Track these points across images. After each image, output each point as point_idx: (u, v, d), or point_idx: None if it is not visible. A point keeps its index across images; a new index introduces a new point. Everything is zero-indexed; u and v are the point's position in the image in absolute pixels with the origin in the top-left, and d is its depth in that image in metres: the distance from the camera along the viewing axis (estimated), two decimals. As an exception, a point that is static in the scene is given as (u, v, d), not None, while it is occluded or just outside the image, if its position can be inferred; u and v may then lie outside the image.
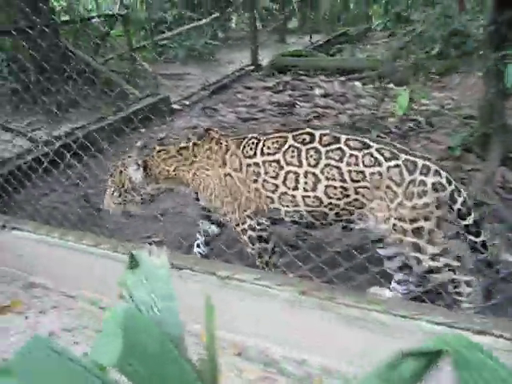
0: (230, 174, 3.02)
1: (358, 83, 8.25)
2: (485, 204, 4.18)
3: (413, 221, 2.68)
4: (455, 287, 2.79)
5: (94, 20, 10.00)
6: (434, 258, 2.73)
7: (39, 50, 3.98)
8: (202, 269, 2.96)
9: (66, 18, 12.29)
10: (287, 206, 2.91)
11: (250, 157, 2.96)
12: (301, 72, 8.68)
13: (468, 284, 2.77)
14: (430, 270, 2.76)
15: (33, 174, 4.23)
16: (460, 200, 2.74)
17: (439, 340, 0.79)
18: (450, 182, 2.73)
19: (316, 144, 2.79)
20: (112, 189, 3.29)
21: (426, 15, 10.43)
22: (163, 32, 12.14)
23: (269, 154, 2.90)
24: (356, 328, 2.59)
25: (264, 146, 2.92)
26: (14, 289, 3.64)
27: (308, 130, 2.87)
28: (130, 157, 3.29)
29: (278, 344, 2.81)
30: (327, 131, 2.83)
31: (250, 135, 3.03)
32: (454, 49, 8.25)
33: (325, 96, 7.58)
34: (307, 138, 2.83)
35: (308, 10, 17.06)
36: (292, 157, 2.83)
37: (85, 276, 3.44)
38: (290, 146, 2.84)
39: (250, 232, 3.07)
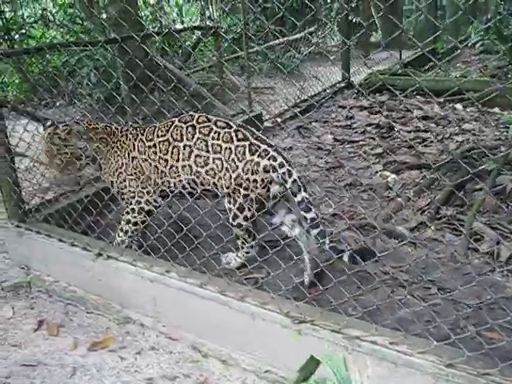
0: (135, 157, 3.71)
1: (459, 105, 7.79)
2: None
3: (244, 189, 3.40)
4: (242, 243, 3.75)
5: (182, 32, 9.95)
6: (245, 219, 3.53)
7: (129, 60, 4.08)
8: (326, 324, 2.66)
9: (153, 28, 12.35)
10: (174, 178, 3.59)
11: (149, 140, 3.68)
12: (396, 92, 8.28)
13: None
14: (237, 225, 3.57)
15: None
16: (290, 180, 3.32)
17: None
18: (282, 166, 3.34)
19: (194, 122, 3.53)
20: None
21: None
22: (249, 46, 11.98)
23: (162, 135, 3.63)
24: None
25: (159, 130, 3.66)
26: (107, 323, 3.46)
27: (190, 113, 3.63)
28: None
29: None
30: (203, 114, 3.57)
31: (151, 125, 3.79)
32: None
33: (424, 119, 7.17)
34: (188, 118, 3.57)
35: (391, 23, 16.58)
36: (176, 134, 3.56)
37: (187, 317, 3.22)
38: (175, 126, 3.59)
39: (143, 204, 3.76)
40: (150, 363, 3.06)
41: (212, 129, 3.47)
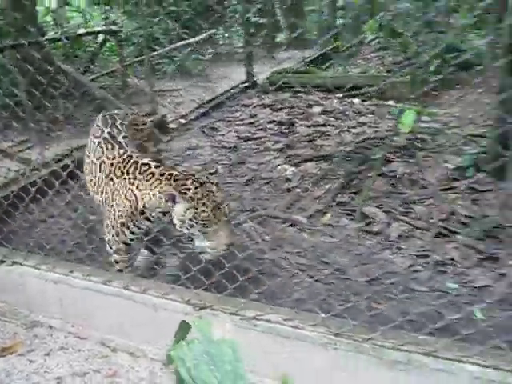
0: None
1: (356, 100, 8.16)
2: (505, 228, 4.08)
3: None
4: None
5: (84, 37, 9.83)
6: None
7: (29, 65, 3.97)
8: (225, 308, 2.80)
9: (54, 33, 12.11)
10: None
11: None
12: (298, 89, 8.55)
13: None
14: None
15: (27, 198, 3.94)
16: None
17: None
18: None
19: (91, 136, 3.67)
20: None
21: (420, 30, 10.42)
22: (154, 49, 11.99)
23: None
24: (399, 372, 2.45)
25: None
26: (14, 328, 3.45)
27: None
28: None
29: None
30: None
31: None
32: (450, 65, 8.17)
33: (324, 113, 7.47)
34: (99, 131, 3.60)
35: (295, 23, 17.01)
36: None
37: (94, 315, 3.26)
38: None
39: None
40: (60, 363, 3.08)
41: None
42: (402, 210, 4.46)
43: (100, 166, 3.45)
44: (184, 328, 1.36)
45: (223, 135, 6.84)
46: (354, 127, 6.79)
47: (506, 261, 3.77)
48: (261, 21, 15.79)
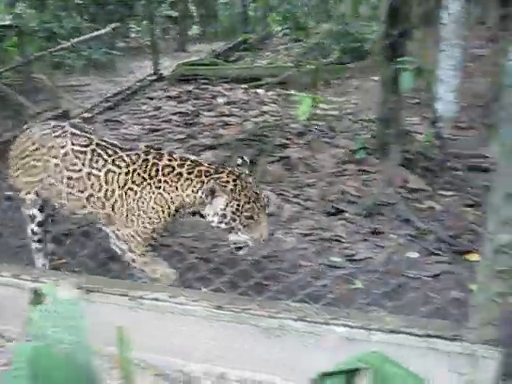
0: None
1: (260, 90, 8.35)
2: (388, 204, 4.36)
3: None
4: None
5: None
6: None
7: None
8: (113, 290, 2.88)
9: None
10: None
11: None
12: (203, 81, 8.67)
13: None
14: None
15: None
16: None
17: (358, 358, 0.80)
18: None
19: None
20: None
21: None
22: (59, 43, 11.72)
23: None
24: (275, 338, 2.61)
25: None
26: None
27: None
28: None
29: (196, 361, 2.79)
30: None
31: None
32: (350, 54, 8.53)
33: (228, 104, 7.62)
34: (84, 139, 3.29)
35: (208, 17, 17.11)
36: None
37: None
38: None
39: None
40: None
41: None
42: (294, 192, 4.67)
43: (106, 176, 3.16)
44: (37, 294, 1.45)
45: (127, 128, 6.85)
46: (256, 116, 6.98)
47: (388, 235, 4.05)
48: (174, 14, 15.79)
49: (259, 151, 5.41)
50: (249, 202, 2.97)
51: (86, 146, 3.22)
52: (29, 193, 3.42)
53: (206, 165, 3.11)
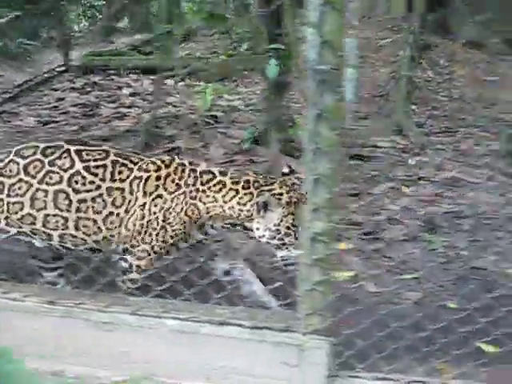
0: None
1: (169, 81, 8.21)
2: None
3: None
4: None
5: None
6: None
7: None
8: None
9: None
10: None
11: None
12: (112, 71, 8.47)
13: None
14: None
15: None
16: None
17: None
18: None
19: None
20: None
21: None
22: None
23: None
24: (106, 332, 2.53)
25: None
26: None
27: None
28: None
29: (31, 357, 2.66)
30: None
31: None
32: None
33: (133, 95, 7.46)
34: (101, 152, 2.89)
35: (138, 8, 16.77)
36: None
37: None
38: None
39: None
40: None
41: None
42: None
43: (131, 185, 2.81)
44: None
45: (22, 120, 6.61)
46: (159, 107, 6.84)
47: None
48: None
49: (147, 142, 5.31)
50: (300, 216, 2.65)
51: (103, 159, 2.85)
52: None
53: (252, 174, 2.88)
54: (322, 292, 2.20)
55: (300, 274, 2.24)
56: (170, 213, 2.77)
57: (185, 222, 2.79)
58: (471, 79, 6.93)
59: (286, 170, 2.96)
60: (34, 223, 2.86)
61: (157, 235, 2.80)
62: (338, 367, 2.36)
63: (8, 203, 2.85)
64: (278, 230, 2.72)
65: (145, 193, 2.79)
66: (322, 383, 2.33)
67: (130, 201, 2.81)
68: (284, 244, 2.76)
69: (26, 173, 2.82)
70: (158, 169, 2.81)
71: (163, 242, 2.82)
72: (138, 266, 2.88)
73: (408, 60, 6.73)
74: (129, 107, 6.89)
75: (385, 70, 6.94)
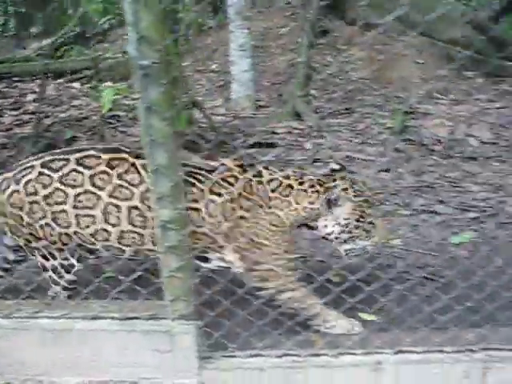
0: None
1: (76, 84, 8.14)
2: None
3: None
4: None
5: None
6: None
7: None
8: None
9: None
10: None
11: None
12: (16, 79, 8.30)
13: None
14: None
15: None
16: None
17: None
18: None
19: None
20: None
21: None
22: None
23: None
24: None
25: None
26: None
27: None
28: None
29: None
30: None
31: None
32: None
33: (38, 101, 7.33)
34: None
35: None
36: None
37: None
38: None
39: None
40: None
41: None
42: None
43: (207, 207, 2.76)
44: None
45: None
46: (64, 111, 6.79)
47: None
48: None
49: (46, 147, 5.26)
50: (369, 207, 2.84)
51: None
52: None
53: (310, 173, 2.96)
54: (181, 278, 2.29)
55: (160, 262, 2.33)
56: (260, 230, 2.76)
57: (278, 233, 2.79)
58: (368, 60, 7.16)
59: (336, 166, 3.01)
60: (108, 239, 2.79)
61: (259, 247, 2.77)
62: (211, 349, 2.47)
63: (76, 216, 2.75)
64: (347, 224, 2.81)
65: (225, 216, 2.74)
66: (193, 366, 2.44)
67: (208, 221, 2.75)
68: (352, 237, 2.85)
69: (93, 184, 2.72)
70: (230, 193, 2.76)
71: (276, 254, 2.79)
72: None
73: (306, 46, 6.91)
74: (32, 113, 6.78)
75: (284, 58, 7.08)
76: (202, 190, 2.74)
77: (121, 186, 2.71)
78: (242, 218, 2.74)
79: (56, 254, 2.87)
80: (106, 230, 2.75)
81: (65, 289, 2.96)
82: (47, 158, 2.80)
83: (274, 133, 5.46)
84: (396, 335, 2.59)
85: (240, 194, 2.75)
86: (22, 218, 2.78)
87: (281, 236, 2.78)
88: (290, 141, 5.39)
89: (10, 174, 2.81)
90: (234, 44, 6.10)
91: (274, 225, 2.76)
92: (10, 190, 2.77)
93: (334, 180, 2.86)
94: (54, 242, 2.81)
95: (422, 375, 2.50)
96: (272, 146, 5.25)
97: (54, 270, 2.91)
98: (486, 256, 3.42)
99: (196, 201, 2.73)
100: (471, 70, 7.71)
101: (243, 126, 5.65)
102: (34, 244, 2.86)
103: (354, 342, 2.52)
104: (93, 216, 2.73)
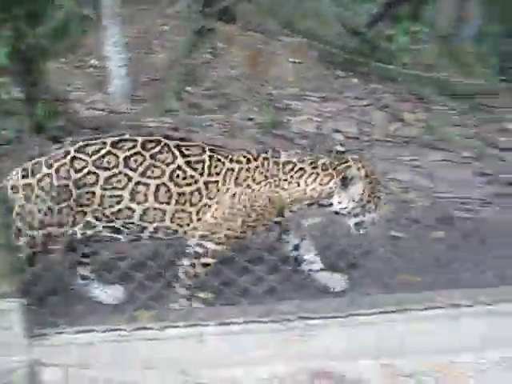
0: None
1: None
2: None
3: None
4: None
5: None
6: None
7: None
8: None
9: None
10: None
11: None
12: None
13: None
14: None
15: None
16: None
17: None
18: None
19: None
20: None
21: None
22: None
23: None
24: None
25: None
26: None
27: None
28: None
29: None
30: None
31: None
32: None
33: None
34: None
35: None
36: None
37: None
38: None
39: None
40: None
41: None
42: None
43: (224, 177, 3.16)
44: None
45: None
46: None
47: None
48: None
49: None
50: (378, 183, 3.33)
51: (201, 154, 3.13)
52: None
53: (324, 157, 3.35)
54: (1, 256, 2.41)
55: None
56: (257, 201, 3.16)
57: (268, 209, 3.21)
58: (246, 59, 7.43)
59: (341, 148, 3.64)
60: (131, 217, 3.04)
61: (243, 222, 3.16)
62: (42, 326, 2.60)
63: (102, 196, 2.96)
64: (361, 199, 3.24)
65: (236, 183, 3.14)
66: (22, 343, 2.55)
67: (221, 191, 3.14)
68: (364, 211, 3.29)
69: (127, 166, 2.96)
70: (248, 161, 3.19)
71: (248, 227, 3.20)
72: (214, 251, 3.19)
73: (186, 44, 7.11)
74: None
75: (164, 55, 7.22)
76: (224, 163, 3.16)
77: (153, 165, 3.00)
78: (249, 187, 3.16)
79: None
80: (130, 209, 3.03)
81: None
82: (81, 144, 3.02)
83: (141, 127, 5.60)
84: (219, 309, 2.83)
85: (257, 167, 3.18)
86: (44, 201, 2.94)
87: (267, 213, 3.23)
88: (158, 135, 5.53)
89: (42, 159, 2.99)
90: (109, 40, 6.19)
91: (270, 202, 3.20)
92: (40, 174, 2.94)
93: (347, 161, 3.31)
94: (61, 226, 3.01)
95: (243, 344, 2.74)
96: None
97: None
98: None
99: (218, 173, 3.14)
100: (346, 70, 8.15)
101: (117, 121, 5.75)
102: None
103: (178, 315, 2.73)
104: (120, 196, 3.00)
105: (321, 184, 3.24)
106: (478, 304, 2.86)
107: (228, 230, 3.19)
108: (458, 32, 9.19)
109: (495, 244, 4.09)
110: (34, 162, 3.00)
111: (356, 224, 3.37)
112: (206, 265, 3.25)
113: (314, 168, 3.25)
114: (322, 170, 3.26)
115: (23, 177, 2.98)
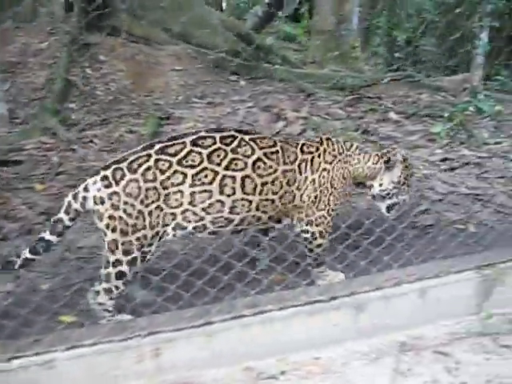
0: None
1: None
2: None
3: None
4: None
5: None
6: None
7: None
8: None
9: None
10: None
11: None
12: None
13: None
14: None
15: None
16: None
17: None
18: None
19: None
20: None
21: None
22: None
23: None
24: None
25: None
26: None
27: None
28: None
29: None
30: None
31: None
32: None
33: None
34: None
35: None
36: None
37: None
38: None
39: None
40: None
41: None
42: None
43: (299, 167, 3.40)
44: None
45: None
46: None
47: None
48: None
49: None
50: (411, 168, 3.77)
51: (274, 145, 3.29)
52: None
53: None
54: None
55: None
56: (334, 179, 3.47)
57: (344, 184, 3.55)
58: (129, 71, 7.39)
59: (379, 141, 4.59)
60: (221, 210, 3.12)
61: (328, 200, 3.46)
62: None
63: (192, 193, 3.03)
64: (399, 181, 3.66)
65: (312, 171, 3.41)
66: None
67: (300, 179, 3.38)
68: (398, 193, 3.70)
69: (211, 161, 3.03)
70: (317, 149, 3.47)
71: (334, 204, 3.51)
72: (320, 232, 3.50)
73: (64, 60, 6.99)
74: None
75: (43, 73, 7.07)
76: (296, 153, 3.40)
77: (235, 158, 3.11)
78: (324, 169, 3.45)
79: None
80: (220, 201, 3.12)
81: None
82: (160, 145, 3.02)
83: (21, 149, 5.48)
84: (69, 333, 2.78)
85: (325, 150, 3.48)
86: (133, 206, 2.92)
87: (343, 188, 3.56)
88: (38, 156, 5.44)
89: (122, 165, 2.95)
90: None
91: (344, 177, 3.54)
92: (125, 181, 2.91)
93: (387, 149, 3.81)
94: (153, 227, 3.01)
95: (93, 371, 2.71)
96: (18, 163, 5.27)
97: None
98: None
99: (292, 162, 3.36)
100: (236, 75, 8.26)
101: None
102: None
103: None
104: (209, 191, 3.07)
105: (373, 163, 3.64)
106: (341, 297, 3.00)
107: (319, 210, 3.47)
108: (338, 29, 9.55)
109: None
110: (110, 170, 2.94)
111: (388, 207, 3.76)
112: (319, 245, 3.55)
113: (362, 150, 3.75)
114: (372, 151, 3.80)
115: (106, 186, 2.92)
